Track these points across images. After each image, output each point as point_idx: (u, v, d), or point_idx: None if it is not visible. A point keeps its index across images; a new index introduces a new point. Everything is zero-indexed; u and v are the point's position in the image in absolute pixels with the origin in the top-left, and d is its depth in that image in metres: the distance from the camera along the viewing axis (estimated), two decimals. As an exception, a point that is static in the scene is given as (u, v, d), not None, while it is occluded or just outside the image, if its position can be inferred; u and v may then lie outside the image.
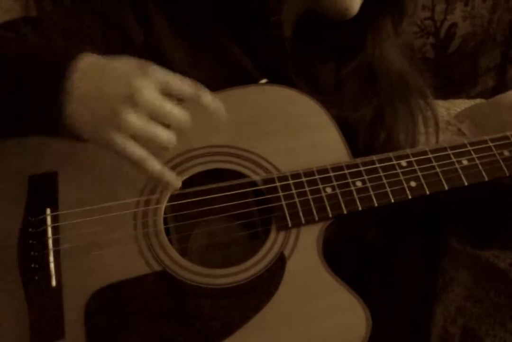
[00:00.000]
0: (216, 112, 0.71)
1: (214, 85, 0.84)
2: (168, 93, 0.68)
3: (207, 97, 0.70)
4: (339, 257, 0.79)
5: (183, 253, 0.79)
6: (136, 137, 0.66)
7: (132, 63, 0.68)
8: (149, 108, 0.66)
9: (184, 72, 0.85)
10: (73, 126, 0.67)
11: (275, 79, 0.89)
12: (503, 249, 0.80)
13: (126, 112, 0.65)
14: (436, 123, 1.01)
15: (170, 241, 0.76)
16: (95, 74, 0.67)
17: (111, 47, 0.84)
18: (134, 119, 0.65)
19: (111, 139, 0.66)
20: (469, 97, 1.97)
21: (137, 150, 0.67)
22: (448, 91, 1.92)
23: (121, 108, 0.65)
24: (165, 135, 0.67)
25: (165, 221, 0.78)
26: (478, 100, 1.85)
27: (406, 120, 0.97)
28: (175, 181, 0.72)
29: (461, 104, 1.77)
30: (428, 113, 1.00)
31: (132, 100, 0.65)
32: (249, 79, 0.89)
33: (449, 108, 1.73)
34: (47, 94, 0.67)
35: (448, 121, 1.60)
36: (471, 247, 0.81)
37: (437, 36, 1.93)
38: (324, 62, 0.98)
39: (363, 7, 0.91)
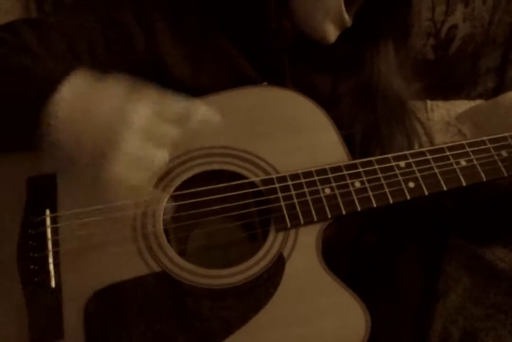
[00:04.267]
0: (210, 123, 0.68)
1: (215, 89, 0.85)
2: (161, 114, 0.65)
3: (199, 116, 0.67)
4: (339, 258, 0.79)
5: (183, 254, 0.79)
6: (130, 161, 0.62)
7: (123, 85, 0.65)
8: (142, 131, 0.62)
9: (185, 78, 0.85)
10: (56, 151, 0.64)
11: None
12: (504, 250, 0.80)
13: (119, 138, 0.61)
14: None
15: (169, 242, 0.77)
16: (82, 97, 0.64)
17: (113, 51, 0.84)
18: (128, 145, 0.62)
19: (100, 165, 0.62)
20: (469, 98, 1.96)
21: (130, 179, 0.62)
22: (448, 92, 1.91)
23: (112, 133, 0.62)
24: (159, 156, 0.64)
25: (165, 222, 0.78)
26: (478, 101, 1.85)
27: (401, 141, 0.97)
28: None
29: (461, 105, 1.77)
30: (423, 135, 1.00)
31: (124, 124, 0.62)
32: (250, 83, 0.89)
33: (449, 109, 1.72)
34: (29, 115, 0.64)
35: (449, 122, 1.59)
36: (471, 247, 0.81)
37: (438, 37, 1.93)
38: (321, 73, 0.98)
39: (364, 28, 0.92)
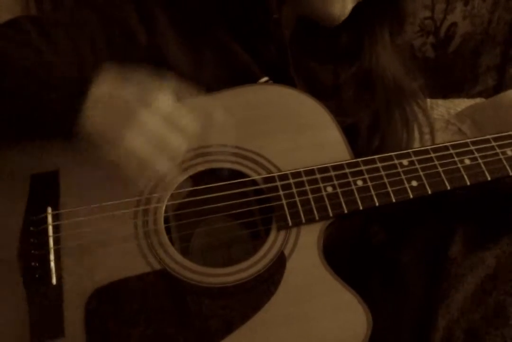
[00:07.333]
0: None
1: (217, 84, 0.84)
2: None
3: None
4: (341, 257, 0.79)
5: (185, 252, 0.79)
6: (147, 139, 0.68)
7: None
8: (161, 114, 0.69)
9: (187, 72, 0.85)
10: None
11: (276, 78, 0.89)
12: (507, 250, 0.79)
13: (140, 114, 0.67)
14: (431, 132, 1.02)
15: (171, 239, 0.76)
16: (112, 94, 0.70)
17: (114, 47, 0.84)
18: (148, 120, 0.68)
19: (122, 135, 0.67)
20: (469, 96, 1.97)
21: (146, 149, 0.68)
22: (448, 91, 1.92)
23: (136, 109, 0.67)
24: (176, 142, 0.70)
25: (167, 219, 0.78)
26: (478, 100, 1.85)
27: (400, 127, 0.99)
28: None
29: (461, 104, 1.77)
30: (423, 121, 1.01)
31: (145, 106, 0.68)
32: (251, 78, 0.89)
33: (449, 108, 1.72)
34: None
35: (448, 121, 1.59)
36: (475, 248, 0.81)
37: (437, 35, 1.93)
38: (322, 63, 0.99)
39: (361, 16, 0.92)
